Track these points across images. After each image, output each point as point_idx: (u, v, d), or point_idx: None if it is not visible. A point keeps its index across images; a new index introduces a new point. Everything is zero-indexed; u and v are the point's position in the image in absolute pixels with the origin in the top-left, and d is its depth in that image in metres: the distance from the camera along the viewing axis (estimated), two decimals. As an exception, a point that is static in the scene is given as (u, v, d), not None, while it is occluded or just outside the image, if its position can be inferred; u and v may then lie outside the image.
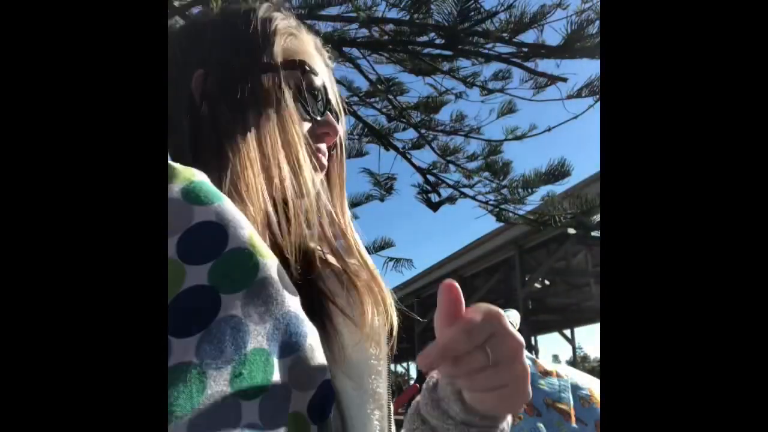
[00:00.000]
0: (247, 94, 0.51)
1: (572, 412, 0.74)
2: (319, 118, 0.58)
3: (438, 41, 3.01)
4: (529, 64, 3.30)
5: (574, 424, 0.73)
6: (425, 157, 4.98)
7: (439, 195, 4.21)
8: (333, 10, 3.33)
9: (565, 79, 3.30)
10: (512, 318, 0.85)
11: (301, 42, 0.59)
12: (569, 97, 3.40)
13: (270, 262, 0.33)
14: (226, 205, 0.34)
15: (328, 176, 0.65)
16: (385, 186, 4.39)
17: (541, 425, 0.73)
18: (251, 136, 0.49)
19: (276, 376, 0.31)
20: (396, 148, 4.18)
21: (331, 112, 0.61)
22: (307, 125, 0.57)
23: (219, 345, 0.29)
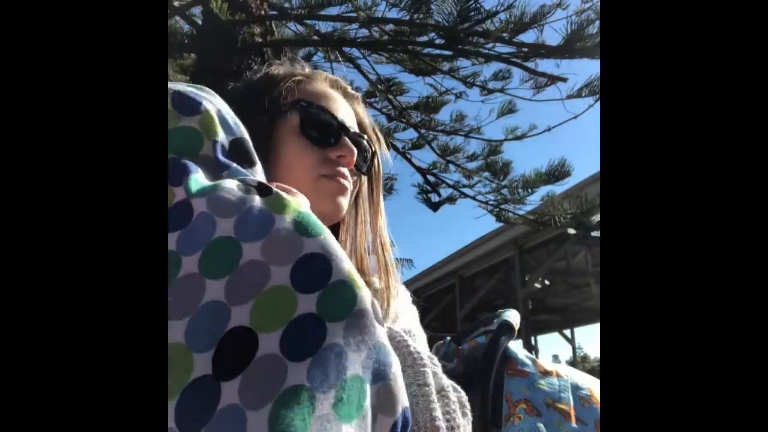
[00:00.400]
0: (260, 140, 0.56)
1: (572, 412, 0.74)
2: (332, 144, 0.64)
3: (438, 41, 3.01)
4: (529, 64, 3.30)
5: (574, 424, 0.73)
6: (425, 157, 4.99)
7: (439, 195, 4.21)
8: (333, 10, 3.33)
9: (565, 79, 3.30)
10: (512, 318, 0.85)
11: (310, 84, 0.67)
12: (569, 97, 3.40)
13: (366, 295, 0.36)
14: (329, 237, 0.37)
15: (362, 194, 0.75)
16: (385, 186, 4.39)
17: (541, 425, 0.73)
18: (273, 171, 0.58)
19: (368, 402, 0.33)
20: (396, 148, 4.18)
21: (350, 138, 0.66)
22: (319, 153, 0.63)
23: (325, 371, 0.31)
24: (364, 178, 0.74)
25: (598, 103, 2.76)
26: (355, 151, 0.66)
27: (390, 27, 3.39)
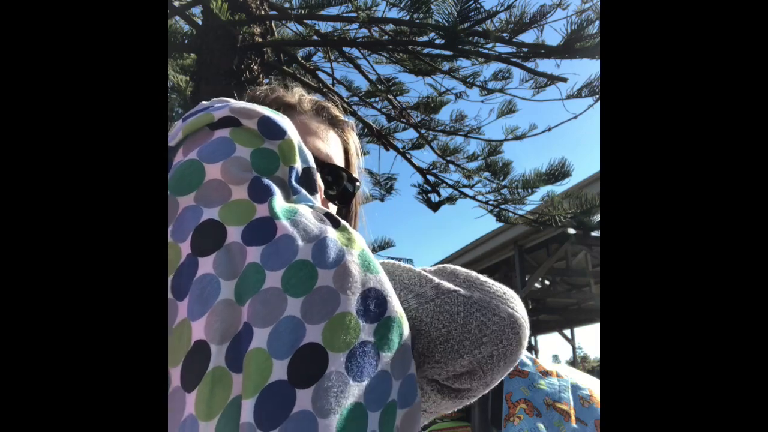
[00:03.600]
0: None
1: (572, 412, 0.74)
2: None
3: (438, 41, 3.01)
4: (529, 64, 3.31)
5: (574, 424, 0.73)
6: (425, 157, 4.99)
7: (439, 195, 4.21)
8: (333, 10, 3.33)
9: (565, 79, 3.30)
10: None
11: (294, 115, 0.68)
12: (569, 97, 3.40)
13: (408, 330, 0.42)
14: (383, 275, 0.42)
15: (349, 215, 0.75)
16: (385, 186, 4.39)
17: (541, 425, 0.73)
18: None
19: (396, 424, 0.40)
20: (396, 148, 4.18)
21: (322, 173, 0.66)
22: None
23: (377, 393, 0.37)
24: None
25: (598, 103, 2.76)
26: (322, 186, 0.66)
27: (390, 27, 3.39)
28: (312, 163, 0.48)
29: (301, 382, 0.34)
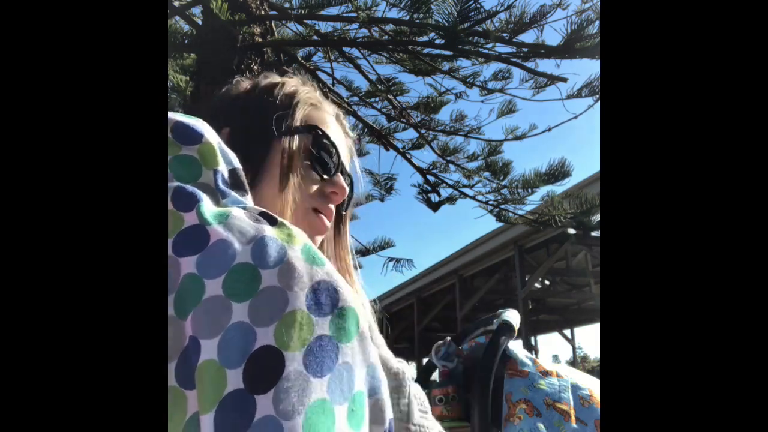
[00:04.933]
0: (260, 155, 0.59)
1: (572, 412, 0.74)
2: (327, 178, 0.64)
3: (438, 41, 3.01)
4: (529, 64, 3.30)
5: (574, 424, 0.73)
6: (425, 157, 4.99)
7: (439, 195, 4.21)
8: (333, 10, 3.33)
9: (565, 79, 3.30)
10: (512, 318, 0.85)
11: (320, 112, 0.67)
12: (569, 97, 3.40)
13: (365, 320, 0.41)
14: (330, 266, 0.41)
15: (336, 229, 0.73)
16: (385, 186, 4.39)
17: (541, 425, 0.73)
18: (260, 191, 0.58)
19: (367, 413, 0.39)
20: (396, 148, 4.18)
21: (344, 175, 0.67)
22: (316, 185, 0.63)
23: (340, 386, 0.36)
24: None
25: (598, 103, 2.76)
26: (347, 190, 0.66)
27: (390, 27, 3.39)
28: (237, 164, 0.47)
29: (259, 387, 0.33)
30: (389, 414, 0.41)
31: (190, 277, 0.36)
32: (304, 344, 0.36)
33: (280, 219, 0.42)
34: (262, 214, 0.42)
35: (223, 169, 0.45)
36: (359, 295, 0.58)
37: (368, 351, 0.40)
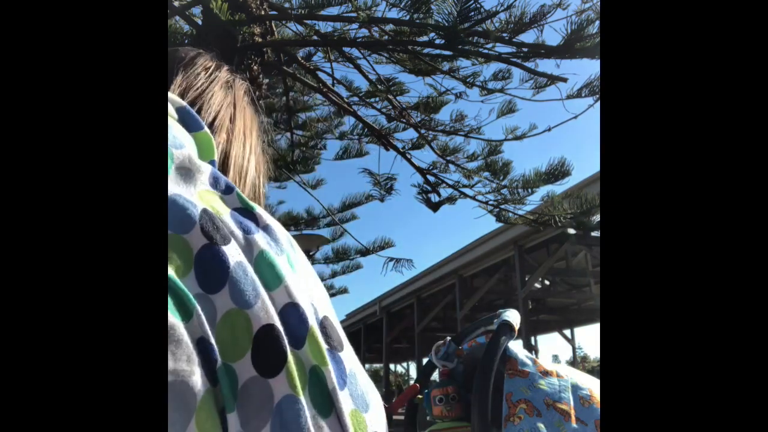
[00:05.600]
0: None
1: (572, 412, 0.74)
2: None
3: (438, 41, 3.01)
4: (529, 64, 3.31)
5: (574, 424, 0.73)
6: (425, 157, 4.99)
7: (439, 195, 4.21)
8: (333, 10, 3.34)
9: (565, 79, 3.30)
10: (512, 318, 0.85)
11: (248, 101, 0.65)
12: (569, 97, 3.40)
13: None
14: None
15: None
16: (385, 186, 4.40)
17: (541, 425, 0.73)
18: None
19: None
20: (396, 148, 4.18)
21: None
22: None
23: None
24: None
25: (598, 103, 2.76)
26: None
27: (390, 27, 3.39)
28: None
29: (339, 346, 0.39)
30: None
31: (265, 253, 0.40)
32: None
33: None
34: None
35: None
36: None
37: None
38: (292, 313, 0.38)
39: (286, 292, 0.38)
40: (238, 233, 0.39)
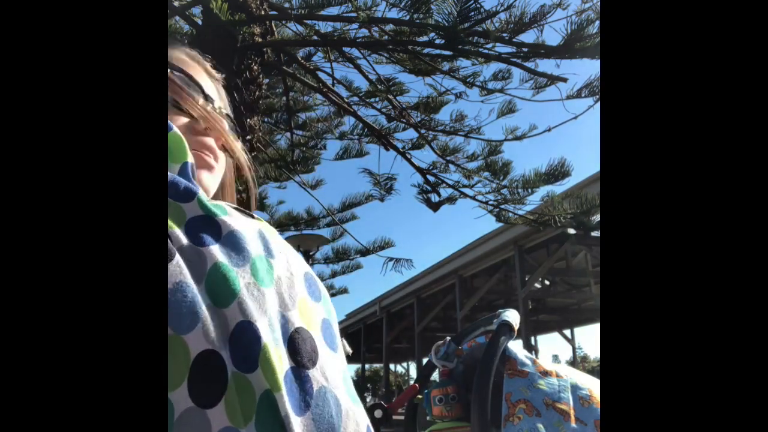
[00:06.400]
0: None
1: (572, 412, 0.74)
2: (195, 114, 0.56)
3: (438, 41, 3.01)
4: (529, 64, 3.31)
5: (573, 424, 0.73)
6: (425, 157, 4.99)
7: (439, 195, 4.21)
8: (333, 10, 3.34)
9: (565, 79, 3.30)
10: (512, 318, 0.85)
11: (190, 61, 0.63)
12: (569, 97, 3.40)
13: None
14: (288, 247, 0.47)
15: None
16: (385, 186, 4.40)
17: (540, 425, 0.73)
18: None
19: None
20: (396, 148, 4.18)
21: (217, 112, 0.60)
22: (184, 119, 0.56)
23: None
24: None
25: (598, 103, 2.76)
26: (225, 125, 0.60)
27: (390, 27, 3.39)
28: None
29: (309, 362, 0.37)
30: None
31: (219, 266, 0.37)
32: (321, 319, 0.41)
33: (256, 215, 0.45)
34: (236, 208, 0.44)
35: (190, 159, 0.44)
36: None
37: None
38: (244, 331, 0.35)
39: (239, 309, 0.35)
40: (187, 247, 0.37)
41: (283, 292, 0.39)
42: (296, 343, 0.37)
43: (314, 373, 0.36)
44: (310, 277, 0.43)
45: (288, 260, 0.42)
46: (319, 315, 0.41)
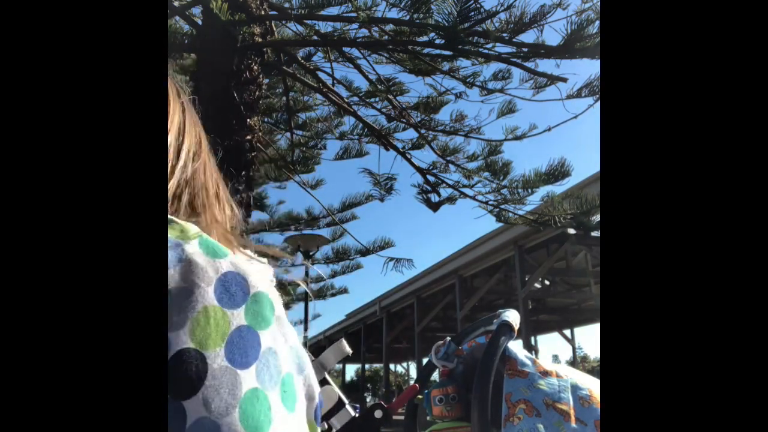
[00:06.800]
0: None
1: (572, 412, 0.74)
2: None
3: (438, 41, 3.01)
4: (529, 64, 3.31)
5: (573, 424, 0.73)
6: (425, 157, 4.99)
7: (439, 195, 4.21)
8: (333, 10, 3.34)
9: (565, 79, 3.30)
10: (512, 318, 0.85)
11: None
12: (569, 97, 3.40)
13: (279, 301, 0.41)
14: (232, 256, 0.40)
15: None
16: (385, 186, 4.39)
17: (540, 425, 0.73)
18: None
19: (298, 392, 0.40)
20: (396, 148, 4.18)
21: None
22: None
23: (269, 371, 0.37)
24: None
25: (598, 103, 2.76)
26: (189, 167, 0.53)
27: (390, 27, 3.39)
28: None
29: (184, 392, 0.33)
30: (317, 388, 0.43)
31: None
32: (223, 339, 0.36)
33: (170, 217, 0.41)
34: None
35: None
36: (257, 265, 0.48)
37: (288, 332, 0.41)
38: None
39: None
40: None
41: (171, 308, 0.36)
42: (173, 370, 0.34)
43: (191, 404, 0.34)
44: (231, 278, 0.39)
45: (196, 265, 0.38)
46: (232, 324, 0.37)
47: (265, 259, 0.49)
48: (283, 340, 0.39)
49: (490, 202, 4.05)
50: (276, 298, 0.41)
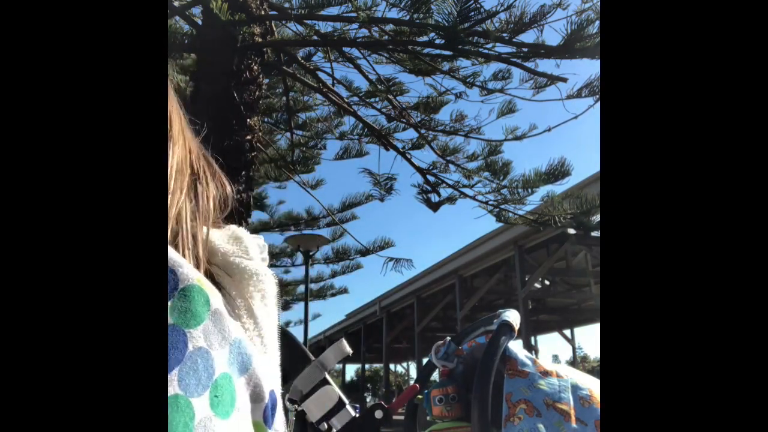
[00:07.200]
0: None
1: (572, 412, 0.74)
2: None
3: (438, 41, 3.01)
4: (529, 64, 3.31)
5: (574, 424, 0.73)
6: (425, 157, 4.99)
7: (439, 195, 4.21)
8: (333, 10, 3.34)
9: (565, 79, 3.31)
10: (512, 318, 0.85)
11: None
12: (569, 97, 3.40)
13: (215, 294, 0.37)
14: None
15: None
16: (385, 186, 4.40)
17: (540, 425, 0.73)
18: None
19: (240, 395, 0.36)
20: (396, 148, 4.18)
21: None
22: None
23: (195, 375, 0.33)
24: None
25: (598, 103, 2.76)
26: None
27: (390, 27, 3.39)
28: None
29: None
30: (268, 386, 0.38)
31: None
32: None
33: None
34: None
35: None
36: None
37: (227, 327, 0.36)
38: None
39: None
40: None
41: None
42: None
43: None
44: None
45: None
46: None
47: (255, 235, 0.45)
48: (219, 337, 0.35)
49: (490, 202, 4.05)
50: (212, 291, 0.36)
